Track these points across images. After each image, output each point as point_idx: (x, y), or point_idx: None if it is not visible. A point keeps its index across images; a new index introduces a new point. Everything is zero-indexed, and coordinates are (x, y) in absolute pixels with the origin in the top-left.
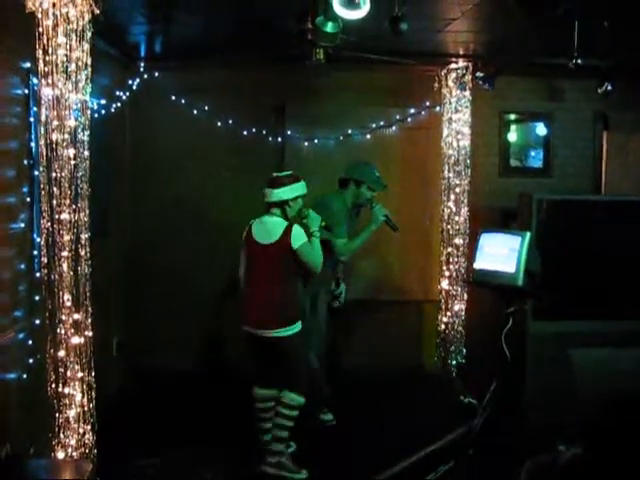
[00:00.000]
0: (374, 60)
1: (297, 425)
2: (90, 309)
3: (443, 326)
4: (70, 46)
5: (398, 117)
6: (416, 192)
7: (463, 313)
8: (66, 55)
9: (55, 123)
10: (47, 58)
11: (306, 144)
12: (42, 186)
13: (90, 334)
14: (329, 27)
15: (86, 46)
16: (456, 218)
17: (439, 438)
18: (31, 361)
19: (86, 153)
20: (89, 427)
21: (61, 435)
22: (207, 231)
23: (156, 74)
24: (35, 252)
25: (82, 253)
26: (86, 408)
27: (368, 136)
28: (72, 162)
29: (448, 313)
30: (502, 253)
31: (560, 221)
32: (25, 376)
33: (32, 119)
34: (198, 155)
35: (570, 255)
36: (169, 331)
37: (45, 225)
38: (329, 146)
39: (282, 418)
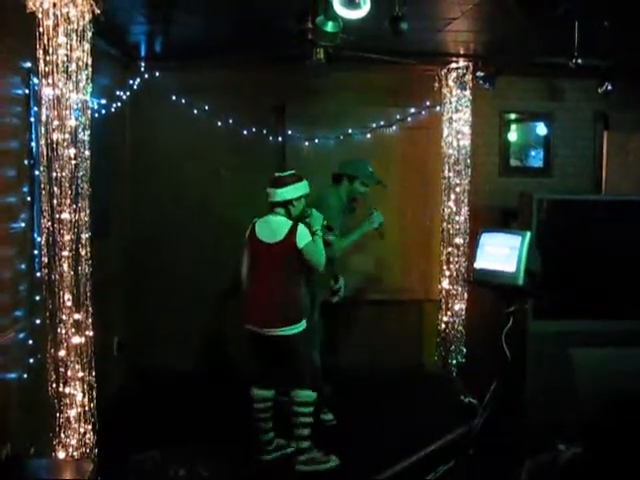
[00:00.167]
0: (374, 60)
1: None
2: (91, 309)
3: (443, 325)
4: (71, 46)
5: (398, 117)
6: (416, 192)
7: (463, 312)
8: (67, 55)
9: (56, 123)
10: (48, 58)
11: (306, 144)
12: (43, 186)
13: (91, 334)
14: (329, 27)
15: (86, 46)
16: (456, 218)
17: (439, 438)
18: (32, 361)
19: (87, 153)
20: (90, 427)
21: (62, 435)
22: (208, 231)
23: (156, 74)
24: (36, 252)
25: (83, 253)
26: (87, 408)
27: (368, 136)
28: (73, 162)
29: (448, 312)
30: (502, 253)
31: (560, 221)
32: (26, 376)
33: (32, 119)
34: (198, 155)
35: (570, 255)
36: (170, 330)
37: (46, 225)
38: (329, 146)
39: (300, 417)
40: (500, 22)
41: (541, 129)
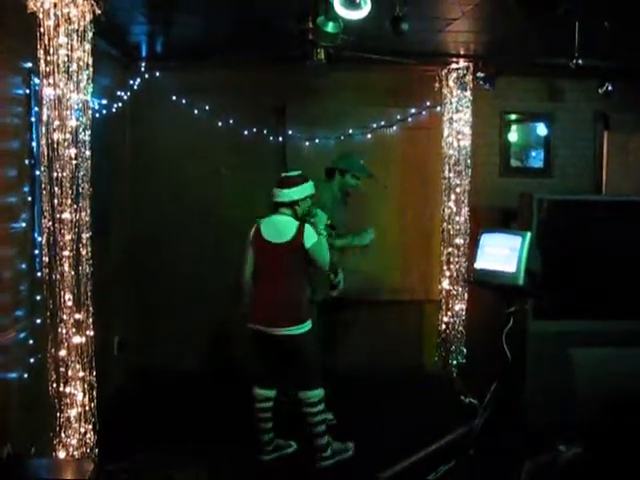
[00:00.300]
0: (375, 60)
1: (297, 425)
2: (91, 308)
3: (444, 326)
4: (71, 46)
5: (399, 117)
6: (417, 192)
7: (464, 313)
8: (67, 55)
9: (56, 123)
10: (48, 58)
11: (307, 144)
12: (43, 186)
13: (91, 333)
14: (330, 27)
15: (87, 46)
16: (457, 218)
17: (440, 438)
18: (32, 360)
19: (87, 153)
20: (90, 426)
21: (62, 435)
22: (208, 230)
23: (157, 74)
24: (36, 251)
25: (83, 253)
26: (87, 407)
27: (369, 136)
28: (73, 162)
29: (449, 313)
30: (503, 253)
31: (561, 221)
32: (26, 375)
33: (33, 119)
34: (198, 155)
35: (570, 255)
36: (170, 330)
37: (46, 224)
38: (330, 146)
39: (313, 417)
40: (500, 23)
41: (541, 129)
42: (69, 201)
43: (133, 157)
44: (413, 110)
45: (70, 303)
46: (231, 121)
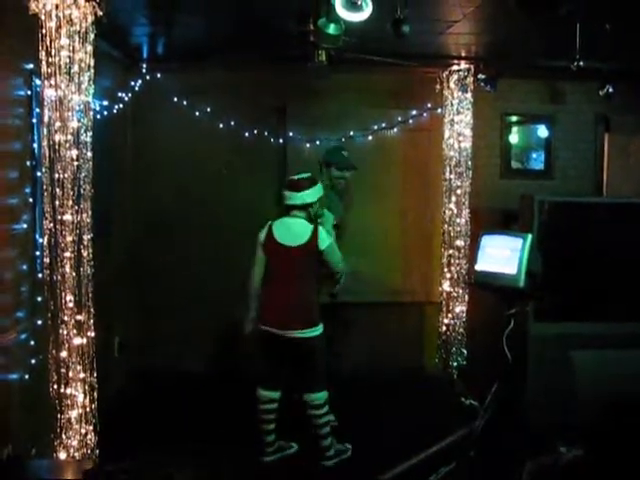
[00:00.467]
0: (376, 62)
1: (297, 426)
2: (92, 310)
3: (444, 328)
4: (73, 48)
5: (400, 119)
6: (417, 194)
7: (464, 315)
8: (69, 57)
9: (58, 124)
10: (50, 59)
11: (307, 145)
12: (45, 187)
13: (92, 335)
14: (331, 29)
15: (89, 48)
16: (457, 220)
17: (440, 439)
18: (33, 362)
19: (89, 154)
20: (91, 427)
21: (63, 436)
22: (209, 232)
23: (158, 75)
24: (37, 253)
25: (84, 254)
26: (88, 408)
27: (370, 138)
28: (75, 163)
29: (449, 315)
30: (503, 255)
31: (561, 223)
32: (27, 377)
33: (35, 120)
34: (199, 156)
35: (571, 257)
36: (171, 331)
37: (48, 226)
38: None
39: (317, 418)
40: (501, 25)
41: (542, 131)
42: (70, 202)
43: (134, 158)
44: (414, 112)
45: (71, 304)
46: (232, 122)
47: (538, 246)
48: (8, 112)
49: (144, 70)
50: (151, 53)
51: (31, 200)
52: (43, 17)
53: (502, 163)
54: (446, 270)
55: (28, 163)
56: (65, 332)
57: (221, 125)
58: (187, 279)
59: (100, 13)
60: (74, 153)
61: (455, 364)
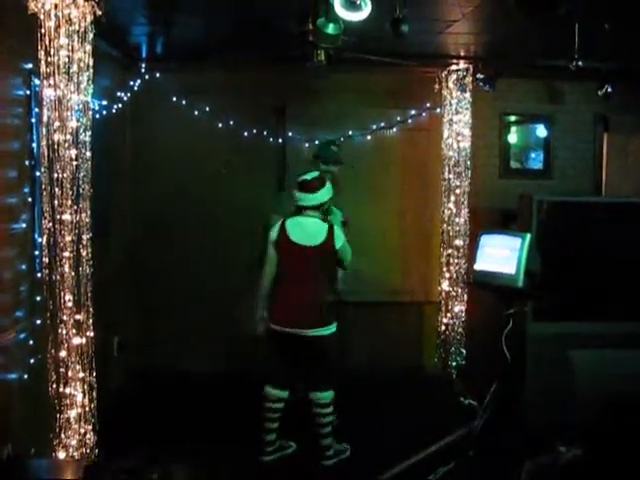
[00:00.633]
0: (375, 61)
1: (297, 426)
2: (91, 309)
3: (443, 327)
4: (72, 47)
5: (399, 118)
6: (416, 193)
7: (463, 314)
8: (68, 56)
9: (57, 124)
10: (49, 59)
11: (307, 145)
12: (44, 187)
13: (91, 334)
14: (330, 29)
15: (88, 47)
16: (456, 219)
17: (439, 439)
18: (32, 361)
19: (88, 154)
20: (90, 427)
21: (62, 435)
22: (208, 231)
23: (157, 75)
24: (36, 252)
25: (83, 253)
26: (87, 408)
27: (369, 137)
28: (74, 163)
29: (448, 314)
30: (502, 254)
31: (560, 222)
32: (26, 376)
33: (34, 120)
34: (198, 156)
35: (570, 256)
36: (169, 330)
37: (47, 225)
38: None
39: (323, 417)
40: (501, 24)
41: (541, 131)
42: (69, 202)
43: (133, 158)
44: (413, 111)
45: (70, 304)
46: (231, 122)
47: (537, 246)
48: (7, 112)
49: (143, 70)
50: (150, 53)
51: (30, 200)
52: (42, 17)
53: (501, 163)
54: (445, 270)
55: (27, 163)
56: (64, 332)
57: (220, 125)
58: (186, 279)
59: (99, 13)
60: (73, 153)
61: (454, 364)
